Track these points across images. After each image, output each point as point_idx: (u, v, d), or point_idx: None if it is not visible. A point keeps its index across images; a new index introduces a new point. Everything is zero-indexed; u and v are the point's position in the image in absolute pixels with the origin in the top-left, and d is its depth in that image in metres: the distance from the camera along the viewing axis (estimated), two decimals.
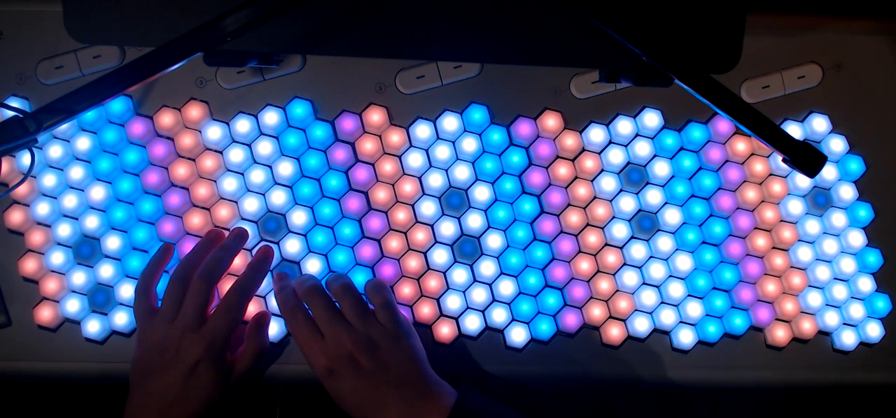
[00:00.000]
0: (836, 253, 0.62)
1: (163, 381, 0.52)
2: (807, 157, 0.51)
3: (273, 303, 0.59)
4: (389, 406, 0.52)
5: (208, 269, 0.54)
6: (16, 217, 0.58)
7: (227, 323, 0.53)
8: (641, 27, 0.49)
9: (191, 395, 0.52)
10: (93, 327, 0.58)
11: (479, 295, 0.60)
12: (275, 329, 0.59)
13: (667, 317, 0.61)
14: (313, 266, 0.59)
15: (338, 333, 0.53)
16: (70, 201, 0.58)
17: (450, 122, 0.60)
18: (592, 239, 0.61)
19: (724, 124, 0.62)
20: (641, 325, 0.60)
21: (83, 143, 0.58)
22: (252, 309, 0.58)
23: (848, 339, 0.61)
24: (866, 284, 0.62)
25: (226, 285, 0.57)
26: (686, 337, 0.60)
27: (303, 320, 0.54)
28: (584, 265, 0.60)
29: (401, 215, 0.60)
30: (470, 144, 0.60)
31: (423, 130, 0.60)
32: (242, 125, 0.59)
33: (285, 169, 0.59)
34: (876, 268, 0.62)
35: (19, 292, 0.59)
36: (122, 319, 0.58)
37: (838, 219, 0.62)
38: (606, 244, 0.61)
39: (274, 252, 0.59)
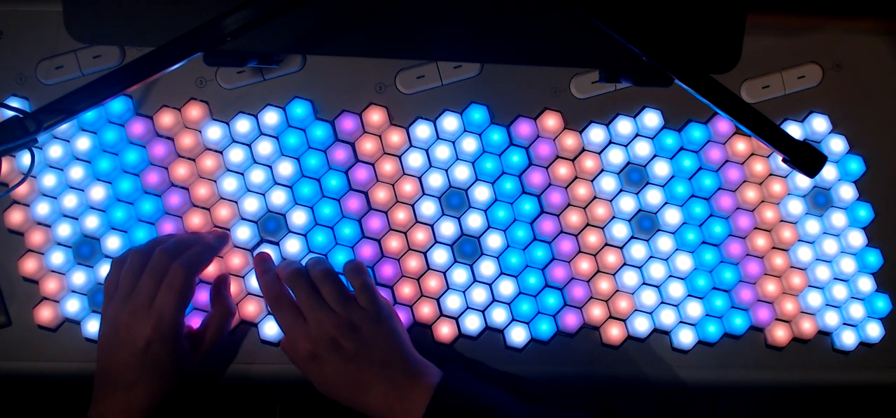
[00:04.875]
0: (836, 253, 0.62)
1: (119, 362, 0.51)
2: (807, 157, 0.51)
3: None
4: (374, 386, 0.52)
5: (171, 248, 0.53)
6: (16, 217, 0.58)
7: (173, 301, 0.51)
8: (641, 27, 0.49)
9: (149, 377, 0.51)
10: (93, 327, 0.58)
11: (479, 295, 0.60)
12: (274, 330, 0.59)
13: (667, 317, 0.60)
14: None
15: (320, 317, 0.53)
16: (70, 201, 0.58)
17: (450, 122, 0.60)
18: (592, 239, 0.61)
19: (724, 124, 0.62)
20: (641, 325, 0.60)
21: (83, 143, 0.58)
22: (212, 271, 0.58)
23: (848, 339, 0.61)
24: (866, 284, 0.62)
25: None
26: (686, 337, 0.60)
27: (287, 305, 0.54)
28: (584, 265, 0.60)
29: (401, 215, 0.60)
30: (470, 144, 0.60)
31: (423, 130, 0.60)
32: (242, 125, 0.59)
33: (285, 169, 0.59)
34: (876, 268, 0.62)
35: (19, 292, 0.59)
36: None
37: (838, 219, 0.62)
38: (606, 244, 0.61)
39: (230, 237, 0.58)
